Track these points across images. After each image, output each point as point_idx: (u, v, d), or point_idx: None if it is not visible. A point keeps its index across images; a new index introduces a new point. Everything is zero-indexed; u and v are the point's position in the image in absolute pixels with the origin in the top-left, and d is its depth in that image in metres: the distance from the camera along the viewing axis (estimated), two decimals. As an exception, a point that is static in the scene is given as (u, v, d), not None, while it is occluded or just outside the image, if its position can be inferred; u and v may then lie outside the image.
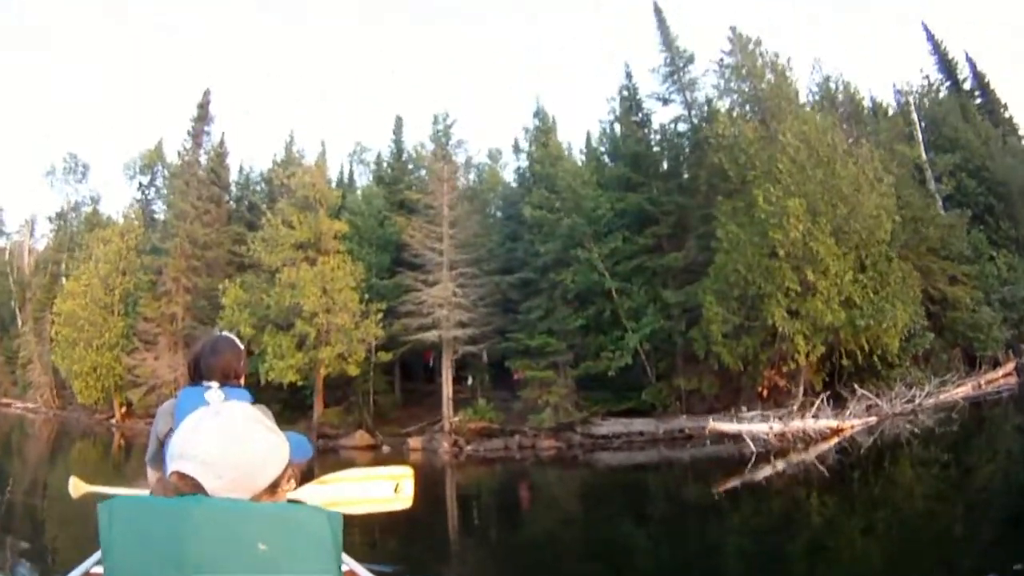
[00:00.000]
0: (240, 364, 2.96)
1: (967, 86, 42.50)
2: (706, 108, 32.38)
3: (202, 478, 1.31)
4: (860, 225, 26.17)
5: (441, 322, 29.82)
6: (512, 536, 15.77)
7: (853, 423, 24.84)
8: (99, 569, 2.80)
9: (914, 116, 36.75)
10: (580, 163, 33.07)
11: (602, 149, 35.73)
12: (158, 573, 1.20)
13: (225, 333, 3.10)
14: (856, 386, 26.04)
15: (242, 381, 2.96)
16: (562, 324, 29.91)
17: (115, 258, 40.32)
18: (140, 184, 44.67)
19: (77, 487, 4.06)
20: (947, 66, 42.83)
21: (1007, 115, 40.85)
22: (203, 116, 38.29)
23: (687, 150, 32.44)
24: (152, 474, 2.88)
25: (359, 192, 39.82)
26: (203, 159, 38.47)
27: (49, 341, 42.85)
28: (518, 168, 39.09)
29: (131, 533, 1.24)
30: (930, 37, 43.72)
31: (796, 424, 24.32)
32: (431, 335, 29.88)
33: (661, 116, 34.55)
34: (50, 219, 52.77)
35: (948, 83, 41.77)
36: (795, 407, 25.43)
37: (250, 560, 1.23)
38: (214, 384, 2.79)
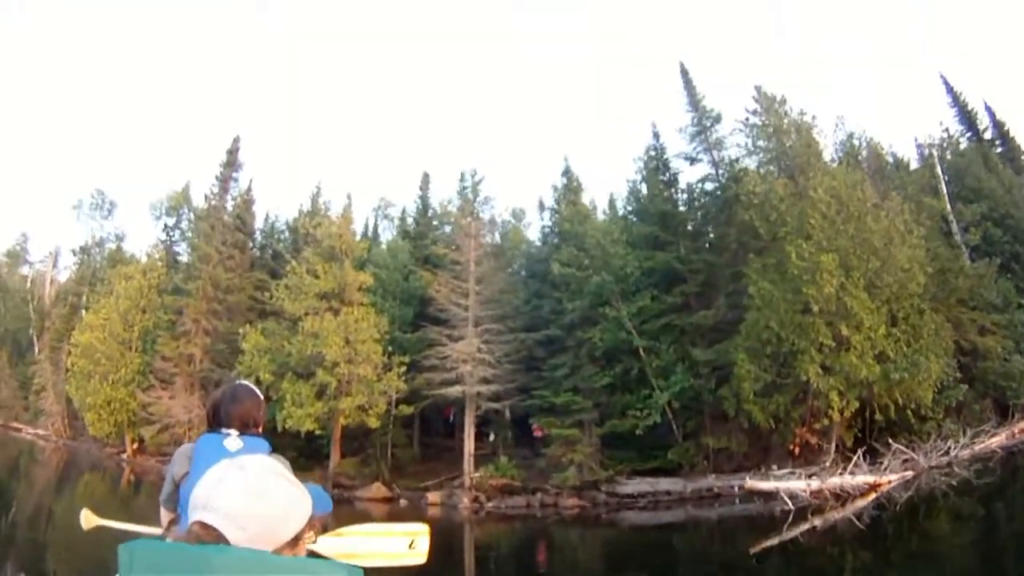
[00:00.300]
0: (259, 413, 2.92)
1: (987, 135, 42.08)
2: (733, 166, 31.57)
3: (225, 530, 1.30)
4: (892, 278, 25.28)
5: (465, 377, 28.94)
6: None
7: (890, 478, 23.87)
8: None
9: (937, 169, 35.83)
10: (605, 222, 32.06)
11: (628, 208, 34.92)
12: None
13: (245, 382, 3.05)
14: (891, 440, 24.98)
15: (260, 429, 2.91)
16: (588, 382, 28.99)
17: (136, 295, 39.69)
18: (165, 225, 44.43)
19: (88, 519, 4.11)
20: (967, 116, 42.47)
21: (1027, 162, 39.69)
22: (232, 162, 37.88)
23: (715, 209, 31.51)
24: (165, 515, 2.84)
25: (384, 245, 39.16)
26: (229, 205, 37.97)
27: (64, 371, 42.10)
28: (542, 227, 38.55)
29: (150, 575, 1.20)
30: (949, 89, 43.38)
31: (833, 481, 23.43)
32: (454, 390, 29.01)
33: (688, 175, 33.74)
34: (74, 252, 52.47)
35: (969, 134, 41.52)
36: (827, 463, 24.66)
37: None
38: (233, 432, 2.74)
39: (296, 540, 1.42)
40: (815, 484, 23.23)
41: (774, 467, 24.82)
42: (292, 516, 1.40)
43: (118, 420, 38.28)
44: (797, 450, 26.17)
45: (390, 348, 30.11)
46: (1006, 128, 41.95)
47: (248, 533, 1.32)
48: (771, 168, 30.10)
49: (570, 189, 34.28)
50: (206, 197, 37.88)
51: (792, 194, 27.32)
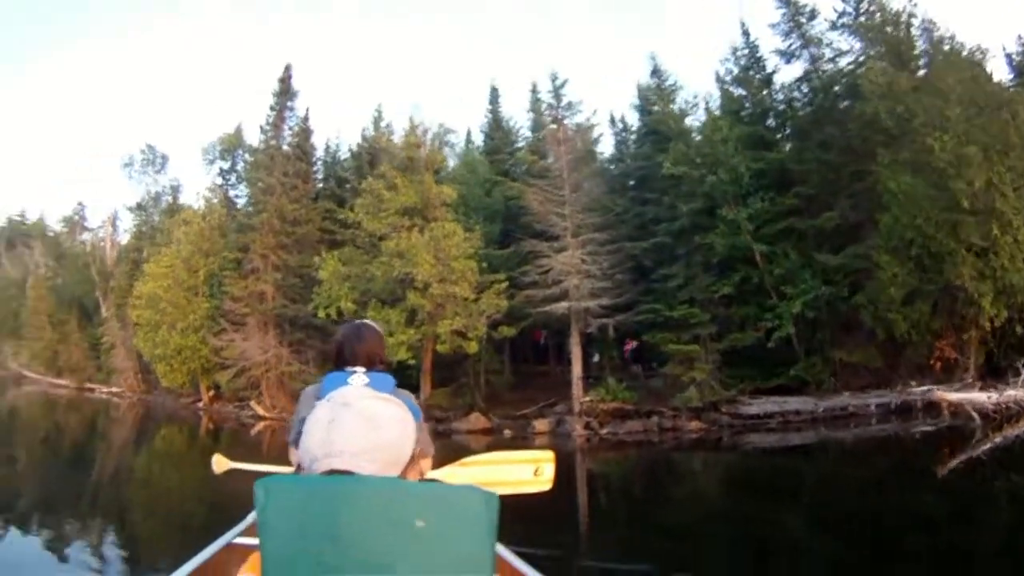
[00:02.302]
0: (383, 350, 2.59)
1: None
2: (836, 62, 25.70)
3: (357, 468, 1.22)
4: None
5: (571, 292, 23.23)
6: (660, 520, 12.25)
7: None
8: (241, 540, 2.80)
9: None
10: (710, 119, 25.86)
11: (722, 111, 28.39)
12: (314, 548, 1.12)
13: (367, 320, 2.77)
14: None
15: (384, 366, 2.51)
16: (704, 293, 23.44)
17: (197, 239, 34.23)
18: (220, 169, 38.27)
19: (220, 463, 4.06)
20: None
21: None
22: (285, 91, 31.74)
23: (825, 105, 25.41)
24: (294, 454, 2.36)
25: (460, 161, 33.17)
26: (287, 135, 31.92)
27: (132, 326, 36.96)
28: (621, 131, 32.21)
29: (288, 509, 1.16)
30: None
31: (1010, 394, 18.99)
32: (560, 306, 23.30)
33: (783, 76, 27.70)
34: (130, 210, 46.87)
35: None
36: (969, 379, 20.29)
37: (408, 536, 1.14)
38: (359, 369, 2.39)
39: (413, 459, 1.36)
40: (994, 397, 18.97)
41: (912, 383, 20.92)
42: (406, 434, 1.31)
43: (191, 369, 33.29)
44: (938, 364, 21.45)
45: (484, 264, 24.36)
46: None
47: (378, 464, 1.24)
48: (882, 63, 23.82)
49: (661, 89, 28.08)
50: (262, 129, 31.94)
51: (915, 88, 21.91)
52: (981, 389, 19.66)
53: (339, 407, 1.28)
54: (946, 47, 23.75)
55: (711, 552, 9.76)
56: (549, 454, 3.52)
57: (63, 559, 10.02)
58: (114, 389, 43.80)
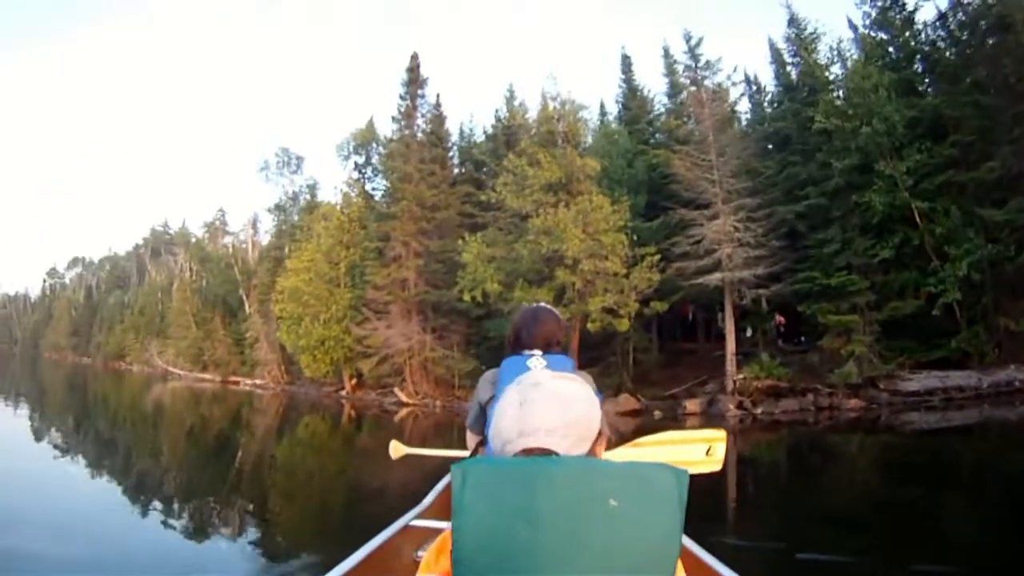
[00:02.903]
0: (561, 332, 2.58)
1: None
2: None
3: (552, 445, 1.22)
4: None
5: (723, 262, 21.90)
6: (811, 505, 11.34)
7: None
8: (418, 523, 2.86)
9: None
10: (857, 65, 23.58)
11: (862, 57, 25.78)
12: (509, 528, 1.10)
13: (543, 303, 2.73)
14: None
15: (562, 349, 2.52)
16: (863, 257, 21.57)
17: (337, 232, 34.56)
18: (356, 164, 38.42)
19: (397, 449, 4.06)
20: None
21: None
22: (414, 79, 31.55)
23: (975, 42, 22.69)
24: (472, 438, 2.65)
25: (598, 134, 31.90)
26: (420, 122, 31.79)
27: (275, 320, 37.66)
28: (754, 92, 30.40)
29: (485, 491, 1.14)
30: None
31: None
32: (713, 277, 21.97)
33: (924, 13, 24.77)
34: (269, 211, 47.84)
35: None
36: None
37: (601, 515, 1.11)
38: (537, 352, 2.39)
39: (600, 435, 1.33)
40: None
41: None
42: (594, 411, 1.30)
43: (333, 358, 33.44)
44: None
45: (634, 237, 23.28)
46: None
47: (571, 440, 1.24)
48: None
49: (801, 39, 26.11)
50: (394, 119, 31.89)
51: None
52: None
53: (529, 388, 1.28)
54: None
55: (866, 542, 8.75)
56: (721, 433, 3.40)
57: (200, 544, 10.04)
58: (257, 381, 44.70)
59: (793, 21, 26.22)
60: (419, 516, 2.99)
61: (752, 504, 12.03)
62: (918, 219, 21.42)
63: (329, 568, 2.19)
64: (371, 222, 32.46)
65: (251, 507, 12.41)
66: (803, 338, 25.73)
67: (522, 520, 1.11)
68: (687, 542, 2.45)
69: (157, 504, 12.52)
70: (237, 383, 47.10)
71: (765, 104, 29.77)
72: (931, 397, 20.28)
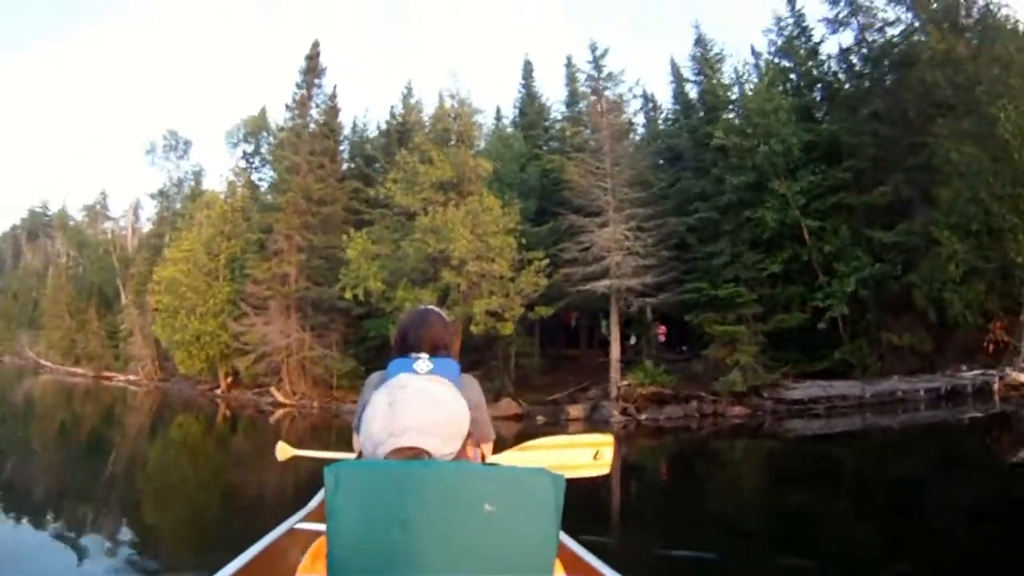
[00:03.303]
0: (448, 336, 2.44)
1: None
2: (885, 31, 23.91)
3: (422, 443, 1.21)
4: None
5: (612, 269, 21.37)
6: (697, 508, 11.26)
7: None
8: (304, 526, 2.78)
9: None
10: (760, 88, 24.04)
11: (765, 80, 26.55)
12: (383, 532, 1.09)
13: (432, 306, 2.57)
14: None
15: (448, 352, 2.38)
16: (751, 271, 21.71)
17: (219, 222, 32.46)
18: (244, 152, 36.36)
19: (283, 451, 3.91)
20: None
21: None
22: (313, 68, 29.93)
23: (875, 75, 23.81)
24: (357, 440, 2.29)
25: (493, 137, 31.05)
26: (314, 112, 30.17)
27: (151, 313, 35.24)
28: (650, 109, 30.46)
29: (357, 494, 1.12)
30: None
31: None
32: (600, 284, 21.41)
33: (829, 46, 26.57)
34: (152, 196, 45.13)
35: None
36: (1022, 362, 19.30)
37: (476, 520, 1.10)
38: (423, 355, 2.26)
39: (468, 436, 1.32)
40: None
41: (963, 367, 20.02)
42: (461, 410, 1.30)
43: (209, 355, 31.43)
44: (991, 347, 20.04)
45: (522, 241, 22.49)
46: None
47: (440, 438, 1.23)
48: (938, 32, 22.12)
49: (707, 59, 26.23)
50: (288, 107, 30.13)
51: (974, 57, 20.48)
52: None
53: (397, 389, 1.27)
54: (1000, 15, 22.07)
55: (745, 542, 8.85)
56: (609, 438, 3.32)
57: (76, 550, 9.15)
58: (131, 377, 42.03)
59: (700, 41, 26.46)
60: (305, 519, 2.87)
61: (635, 506, 11.87)
62: (807, 237, 21.92)
63: (210, 574, 2.07)
64: (255, 213, 30.63)
65: (124, 513, 11.55)
66: (684, 347, 25.83)
67: (395, 524, 1.08)
68: (570, 543, 2.48)
69: (22, 511, 11.33)
70: (110, 379, 44.31)
71: (659, 121, 30.01)
72: (815, 405, 20.40)
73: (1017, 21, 22.44)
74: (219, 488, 14.07)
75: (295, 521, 2.83)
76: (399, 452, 1.20)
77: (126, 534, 10.04)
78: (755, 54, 27.13)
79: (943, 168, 19.73)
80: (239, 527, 9.02)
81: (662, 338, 25.91)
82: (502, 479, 1.16)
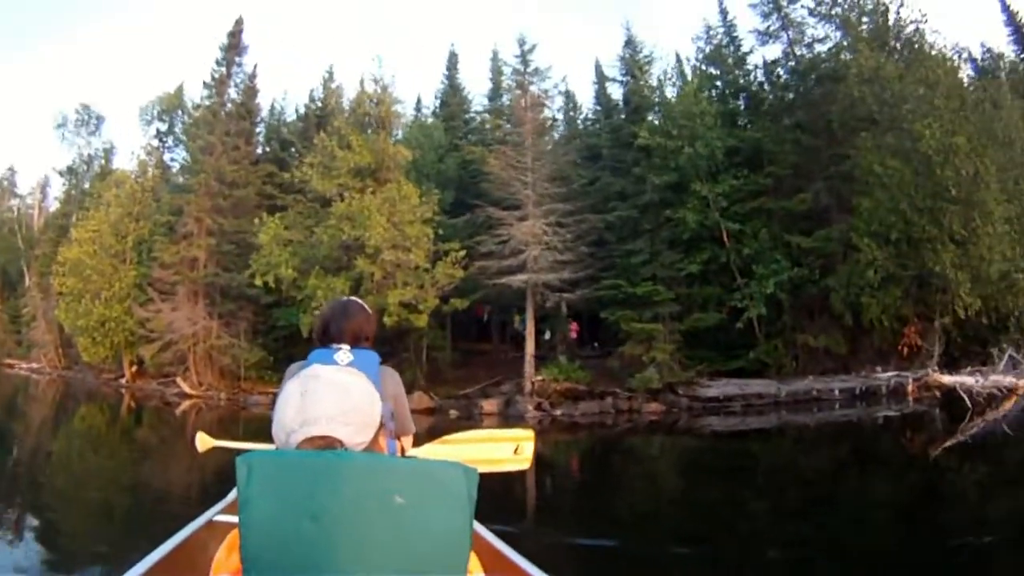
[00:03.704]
0: (370, 327, 2.47)
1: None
2: (813, 47, 24.60)
3: (333, 432, 1.20)
4: (1018, 172, 20.61)
5: (529, 264, 20.95)
6: (612, 502, 11.11)
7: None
8: (222, 518, 2.69)
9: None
10: (686, 91, 24.04)
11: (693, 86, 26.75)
12: (294, 524, 1.07)
13: (354, 297, 2.60)
14: (1006, 346, 19.84)
15: (371, 343, 2.44)
16: (669, 270, 21.72)
17: (128, 202, 30.34)
18: (158, 131, 34.25)
19: (204, 442, 3.62)
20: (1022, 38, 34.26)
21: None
22: (235, 45, 28.46)
23: (802, 88, 24.34)
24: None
25: (415, 125, 30.05)
26: (232, 92, 28.74)
27: (55, 296, 32.98)
28: (570, 109, 30.30)
29: (269, 486, 1.10)
30: (1005, 7, 35.14)
31: (995, 378, 18.53)
32: (517, 279, 20.97)
33: (755, 57, 26.72)
34: (61, 174, 42.40)
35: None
36: (934, 366, 19.61)
37: (387, 512, 1.09)
38: (344, 346, 2.30)
39: (381, 426, 1.32)
40: (982, 381, 18.36)
41: (878, 368, 20.28)
42: (375, 400, 1.29)
43: (114, 342, 29.39)
44: (906, 351, 20.43)
45: (439, 231, 21.82)
46: None
47: (352, 427, 1.22)
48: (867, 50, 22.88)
49: (636, 60, 25.92)
50: (205, 84, 28.64)
51: (900, 76, 21.09)
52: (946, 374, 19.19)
53: (309, 379, 1.25)
54: (927, 39, 22.92)
55: (659, 533, 8.91)
56: (529, 433, 3.36)
57: None
58: (33, 365, 39.67)
59: (631, 42, 26.21)
60: (224, 511, 2.78)
61: (552, 500, 11.68)
62: (726, 239, 22.09)
63: (126, 569, 1.98)
64: (165, 194, 29.11)
65: (29, 510, 10.63)
66: (596, 344, 25.79)
67: (307, 516, 1.06)
68: (487, 536, 2.50)
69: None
70: (12, 366, 41.71)
71: (579, 121, 29.97)
72: (730, 403, 20.49)
73: (944, 47, 23.43)
74: (128, 483, 13.22)
75: (213, 513, 2.76)
76: (311, 441, 1.18)
77: (31, 532, 9.37)
78: (679, 60, 27.46)
79: (865, 179, 20.27)
80: (152, 522, 8.46)
81: (574, 335, 25.64)
82: (413, 471, 1.16)
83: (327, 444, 1.18)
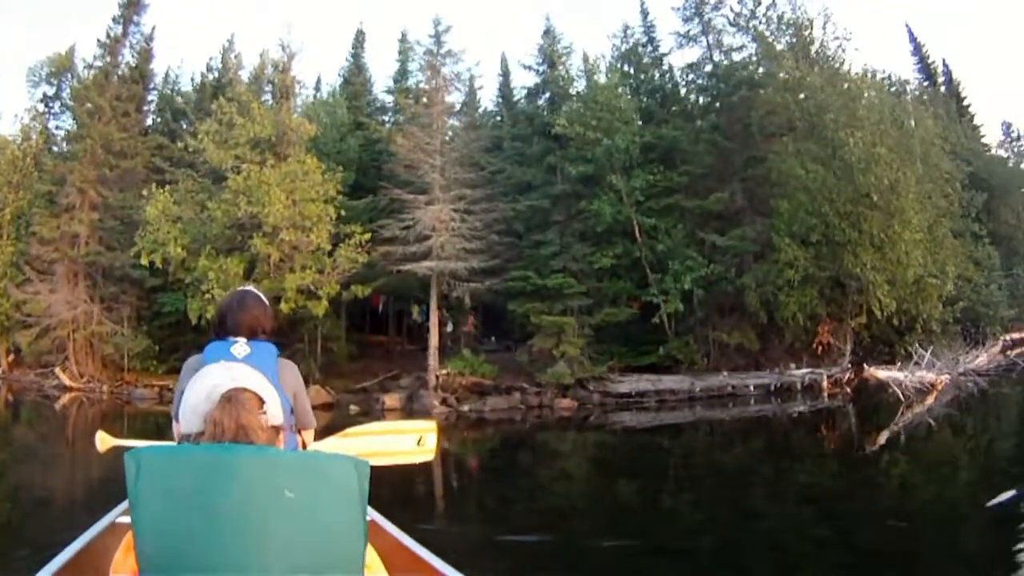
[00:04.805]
0: (267, 319, 2.37)
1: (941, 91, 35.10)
2: (729, 55, 24.71)
3: (239, 433, 1.19)
4: (932, 185, 21.65)
5: (435, 250, 19.68)
6: (523, 500, 10.53)
7: (943, 378, 19.44)
8: (125, 519, 2.30)
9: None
10: (607, 84, 23.49)
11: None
12: (186, 521, 1.06)
13: (251, 287, 2.49)
14: (918, 346, 20.04)
15: (268, 336, 2.34)
16: (581, 263, 21.01)
17: (8, 169, 27.09)
18: (44, 95, 30.63)
19: (104, 441, 3.38)
20: (927, 69, 36.13)
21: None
22: (135, 2, 26.00)
23: (721, 91, 24.26)
24: (177, 428, 2.05)
25: (318, 102, 28.14)
26: (127, 54, 26.34)
27: (-76, 273, 29.30)
28: (472, 99, 29.63)
29: (159, 483, 1.09)
30: (912, 39, 36.75)
31: (920, 374, 18.98)
32: (423, 266, 19.69)
33: (675, 59, 28.96)
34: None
35: (928, 86, 34.29)
36: (847, 363, 20.63)
37: (277, 507, 1.08)
38: (241, 339, 2.22)
39: (278, 430, 1.30)
40: (910, 376, 18.56)
41: (792, 365, 20.73)
42: (275, 399, 1.29)
43: (-11, 327, 26.35)
44: (820, 348, 21.06)
45: (342, 212, 20.26)
46: (960, 88, 35.92)
47: (258, 427, 1.22)
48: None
49: (554, 50, 24.72)
50: (99, 42, 25.82)
51: (822, 87, 21.60)
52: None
53: (213, 376, 1.27)
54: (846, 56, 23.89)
55: (567, 527, 8.45)
56: (432, 424, 3.27)
57: None
58: (-99, 353, 35.37)
59: (548, 33, 25.25)
60: (125, 513, 2.27)
61: (459, 495, 11.28)
62: (638, 234, 21.79)
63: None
64: (48, 161, 26.17)
65: None
66: (494, 338, 25.24)
67: (200, 512, 1.04)
68: (391, 529, 2.44)
69: None
70: None
71: (479, 112, 29.47)
72: (643, 399, 20.13)
73: (865, 65, 25.15)
74: (13, 483, 11.74)
75: (116, 515, 2.55)
76: (216, 438, 1.16)
77: None
78: (585, 59, 27.14)
79: (785, 181, 20.65)
80: (44, 533, 7.29)
81: (470, 328, 24.74)
82: (303, 465, 1.15)
83: (249, 402, 1.19)
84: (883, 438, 14.08)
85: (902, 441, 14.16)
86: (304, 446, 2.31)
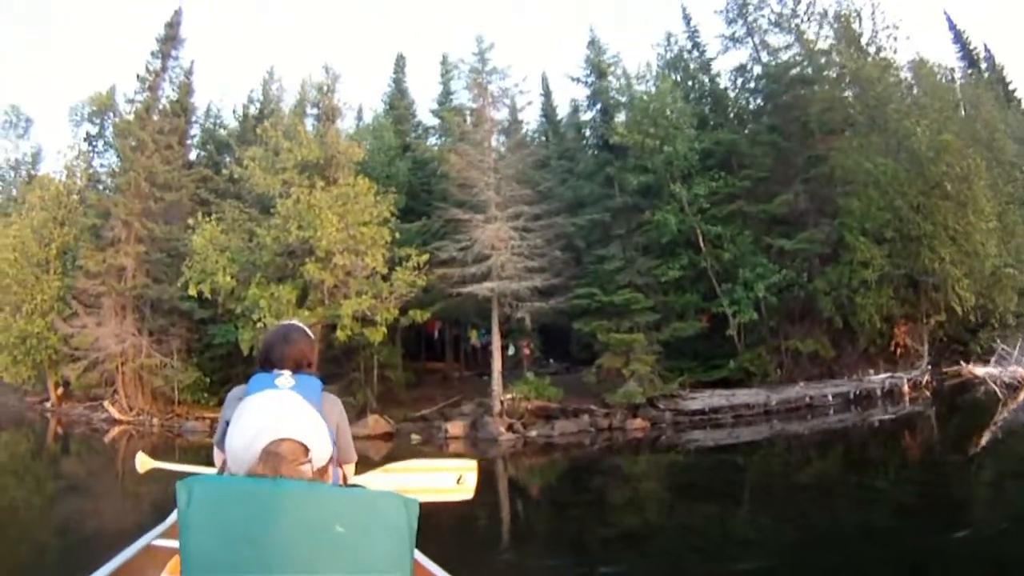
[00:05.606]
0: (312, 353, 2.29)
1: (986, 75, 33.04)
2: (776, 54, 23.72)
3: (283, 466, 1.16)
4: (1000, 171, 20.63)
5: (494, 271, 18.53)
6: (594, 532, 9.78)
7: None
8: (160, 543, 2.57)
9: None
10: (661, 90, 22.28)
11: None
12: (234, 551, 1.06)
13: (296, 321, 2.41)
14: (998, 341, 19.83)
15: (313, 369, 2.26)
16: (647, 277, 19.86)
17: (53, 205, 26.87)
18: (87, 134, 30.28)
19: (144, 463, 3.48)
20: (969, 56, 34.38)
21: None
22: (172, 37, 25.63)
23: (774, 91, 23.11)
24: (219, 456, 2.24)
25: (365, 128, 27.68)
26: (168, 88, 25.86)
27: (-25, 309, 29.00)
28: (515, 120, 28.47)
29: (210, 511, 1.09)
30: (952, 26, 35.03)
31: (1013, 368, 18.27)
32: (484, 287, 18.56)
33: (721, 63, 28.76)
34: (-16, 178, 38.18)
35: (972, 72, 32.11)
36: (926, 365, 19.60)
37: (326, 542, 1.08)
38: (285, 372, 2.11)
39: (330, 460, 1.32)
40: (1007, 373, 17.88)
41: (870, 371, 19.48)
42: (323, 432, 1.27)
43: (37, 360, 25.75)
44: (898, 351, 19.84)
45: (397, 235, 19.22)
46: (1004, 73, 34.10)
47: (304, 459, 1.20)
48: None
49: (601, 61, 23.66)
50: (139, 78, 25.31)
51: (880, 76, 20.44)
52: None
53: (261, 407, 1.24)
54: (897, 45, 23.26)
55: (645, 560, 8.15)
56: (472, 463, 3.15)
57: None
58: (-50, 387, 35.24)
59: (594, 44, 24.26)
60: (162, 535, 2.61)
61: (524, 525, 10.93)
62: (702, 244, 20.76)
63: None
64: (92, 196, 25.70)
65: None
66: (551, 359, 24.38)
67: (246, 542, 1.04)
68: (431, 566, 2.38)
69: None
70: (-73, 388, 37.00)
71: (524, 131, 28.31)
72: (717, 415, 18.97)
73: (917, 53, 23.21)
74: (60, 515, 11.79)
75: (152, 537, 2.57)
76: (272, 456, 1.15)
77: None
78: (625, 75, 25.87)
79: (852, 178, 19.55)
80: (86, 561, 6.46)
81: (527, 351, 23.45)
82: (354, 501, 1.13)
83: (276, 473, 1.12)
84: (985, 439, 13.47)
85: (1009, 442, 13.35)
86: (345, 480, 2.22)
